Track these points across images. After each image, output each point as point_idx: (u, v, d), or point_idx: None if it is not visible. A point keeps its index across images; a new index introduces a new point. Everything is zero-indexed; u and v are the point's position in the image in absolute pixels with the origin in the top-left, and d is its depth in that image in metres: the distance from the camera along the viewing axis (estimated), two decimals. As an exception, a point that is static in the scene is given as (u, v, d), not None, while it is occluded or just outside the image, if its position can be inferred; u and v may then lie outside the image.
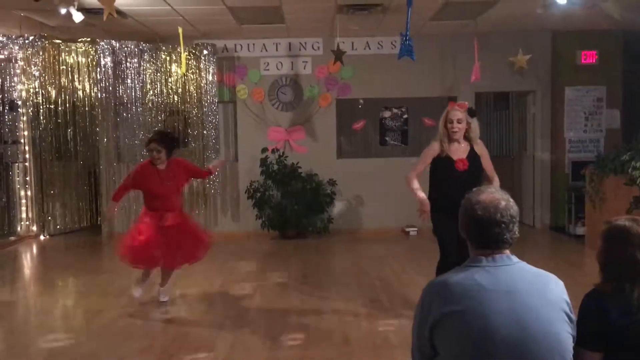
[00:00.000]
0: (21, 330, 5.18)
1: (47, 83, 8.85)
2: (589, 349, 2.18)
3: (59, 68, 8.83)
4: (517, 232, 2.12)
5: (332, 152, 9.44)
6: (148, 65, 8.90)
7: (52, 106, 9.04)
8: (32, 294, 6.52)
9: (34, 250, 8.86)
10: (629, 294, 2.18)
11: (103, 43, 8.72)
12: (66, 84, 8.91)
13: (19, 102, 9.02)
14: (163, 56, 8.94)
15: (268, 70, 9.31)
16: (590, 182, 7.72)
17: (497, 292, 2.02)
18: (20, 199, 9.28)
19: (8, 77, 8.90)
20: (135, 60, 8.83)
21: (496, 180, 4.91)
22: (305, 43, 9.27)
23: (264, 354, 4.39)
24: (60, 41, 8.72)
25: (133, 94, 8.89)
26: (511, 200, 2.14)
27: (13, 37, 8.52)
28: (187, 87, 9.08)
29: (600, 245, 2.34)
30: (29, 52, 8.61)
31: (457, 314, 2.01)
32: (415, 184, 4.86)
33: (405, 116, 9.62)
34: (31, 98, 8.88)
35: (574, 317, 2.12)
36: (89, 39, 8.73)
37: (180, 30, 7.40)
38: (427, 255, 7.23)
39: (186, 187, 8.99)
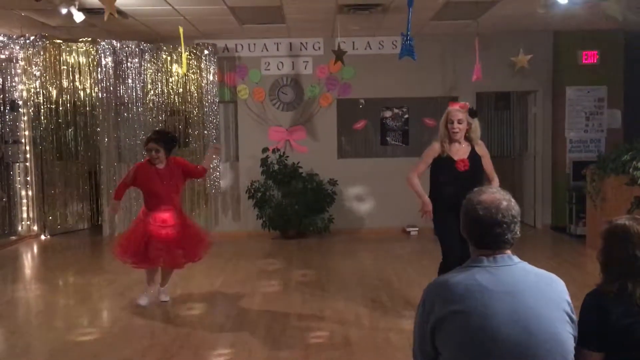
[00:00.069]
0: (22, 330, 5.18)
1: (48, 83, 8.86)
2: (590, 349, 2.18)
3: (60, 68, 8.84)
4: (518, 233, 2.11)
5: (332, 152, 9.44)
6: (149, 65, 8.91)
7: (53, 106, 9.06)
8: (32, 293, 6.51)
9: (35, 250, 8.86)
10: (630, 293, 2.18)
11: (104, 43, 8.72)
12: (67, 84, 8.93)
13: (20, 102, 9.03)
14: (164, 56, 8.94)
15: (269, 70, 9.31)
16: (591, 182, 7.72)
17: (498, 292, 2.01)
18: (21, 198, 9.28)
19: (9, 77, 8.91)
20: (136, 60, 8.83)
21: (496, 181, 4.90)
22: (306, 43, 9.27)
23: (264, 354, 4.39)
24: (61, 41, 8.73)
25: (134, 94, 8.89)
26: (512, 200, 2.14)
27: (14, 37, 8.53)
28: (187, 87, 9.08)
29: (600, 244, 2.33)
30: (30, 52, 8.61)
31: (458, 314, 2.01)
32: (418, 185, 4.86)
33: (406, 116, 9.62)
34: (32, 98, 8.89)
35: (575, 317, 2.12)
36: (89, 39, 8.74)
37: (181, 30, 7.41)
38: (428, 255, 7.24)
39: (187, 186, 9.07)
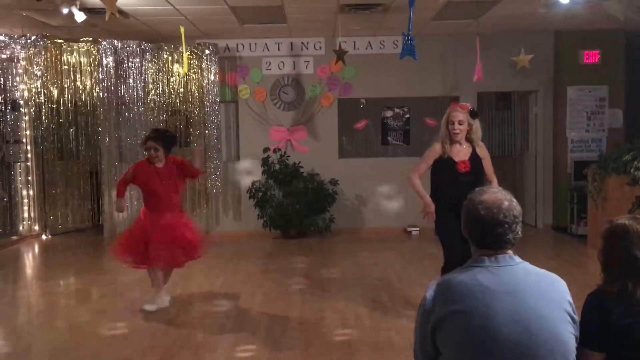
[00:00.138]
0: (23, 330, 5.18)
1: (49, 83, 8.87)
2: (591, 349, 2.17)
3: (61, 68, 8.85)
4: (520, 233, 2.11)
5: (333, 151, 9.43)
6: (150, 65, 8.91)
7: (54, 106, 9.07)
8: (34, 293, 6.52)
9: (36, 249, 8.86)
10: (631, 293, 2.18)
11: (105, 43, 8.73)
12: (68, 83, 8.95)
13: (21, 102, 9.03)
14: (165, 56, 8.95)
15: (270, 70, 9.31)
16: (593, 182, 7.71)
17: (499, 292, 2.01)
18: (22, 198, 9.29)
19: (10, 76, 8.92)
20: (137, 60, 8.83)
21: (495, 183, 4.89)
22: (307, 43, 9.27)
23: (265, 355, 4.39)
24: (62, 41, 8.74)
25: (135, 94, 8.90)
26: (514, 200, 2.14)
27: (15, 36, 8.54)
28: (189, 87, 9.09)
29: (601, 244, 2.33)
30: (31, 51, 8.62)
31: (460, 314, 2.01)
32: (419, 185, 4.85)
33: (407, 116, 9.61)
34: (33, 98, 8.90)
35: (576, 317, 2.11)
36: (90, 39, 8.75)
37: (182, 30, 7.41)
38: (428, 255, 7.24)
39: (188, 186, 9.07)
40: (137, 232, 5.42)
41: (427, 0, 6.70)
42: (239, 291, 6.17)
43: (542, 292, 2.05)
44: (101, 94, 8.91)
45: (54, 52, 8.77)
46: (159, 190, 5.38)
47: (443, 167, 4.81)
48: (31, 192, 9.30)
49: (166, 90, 9.03)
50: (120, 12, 6.89)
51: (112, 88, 8.88)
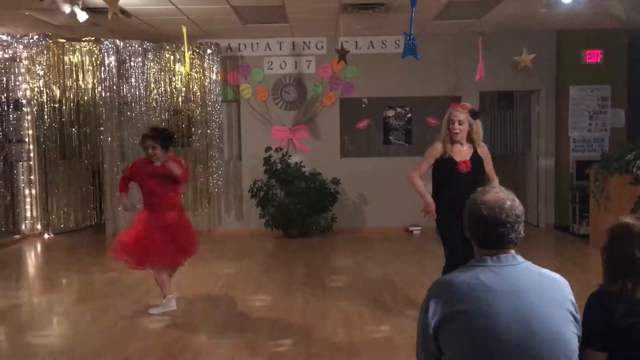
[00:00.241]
0: (25, 329, 5.19)
1: (51, 82, 8.88)
2: (594, 349, 2.17)
3: (63, 67, 8.86)
4: (522, 232, 2.11)
5: (335, 151, 9.44)
6: (152, 64, 8.92)
7: (57, 105, 9.08)
8: (36, 292, 6.53)
9: (38, 248, 8.88)
10: (631, 293, 2.18)
11: (107, 42, 8.73)
12: (70, 83, 8.95)
13: (24, 101, 9.05)
14: (167, 55, 8.95)
15: (272, 69, 9.31)
16: (595, 182, 7.70)
17: (502, 292, 2.01)
18: (24, 197, 9.31)
19: (12, 76, 8.93)
20: (139, 59, 8.84)
21: (496, 182, 4.88)
22: (309, 42, 9.27)
23: (267, 354, 4.39)
24: (64, 40, 8.75)
25: (137, 93, 8.90)
26: (516, 200, 2.14)
27: (17, 36, 8.55)
28: (190, 87, 9.10)
29: (604, 241, 2.33)
30: (34, 51, 8.63)
31: (462, 313, 2.01)
32: (420, 184, 4.85)
33: (409, 115, 9.61)
34: (35, 97, 8.91)
35: (579, 316, 2.11)
36: (93, 38, 8.75)
37: (184, 29, 7.41)
38: (430, 254, 7.25)
39: (190, 185, 9.08)
40: (136, 232, 5.38)
41: (429, -1, 6.70)
42: (241, 291, 6.18)
43: (545, 291, 2.05)
44: (103, 94, 8.91)
45: (56, 51, 8.78)
46: (156, 188, 5.34)
47: (444, 167, 4.81)
48: (33, 191, 9.32)
49: (168, 89, 9.04)
50: (123, 11, 6.90)
51: (114, 87, 8.88)
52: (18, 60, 8.80)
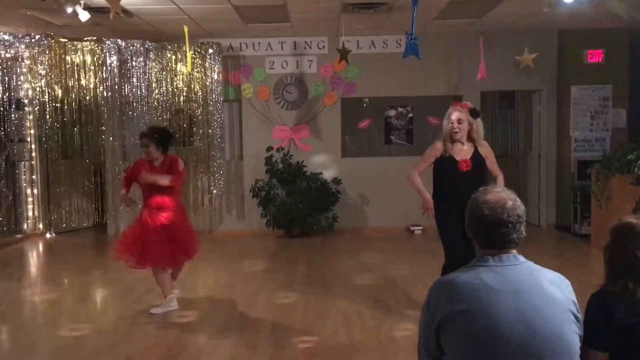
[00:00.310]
0: (26, 329, 5.20)
1: (53, 82, 8.89)
2: (595, 348, 2.17)
3: (65, 67, 8.87)
4: (524, 232, 2.11)
5: (337, 150, 9.44)
6: (154, 64, 8.92)
7: (58, 105, 9.09)
8: (38, 291, 6.54)
9: (40, 248, 8.89)
10: (632, 293, 2.18)
11: (109, 42, 8.74)
12: (72, 82, 8.96)
13: (25, 101, 9.06)
14: (168, 55, 8.96)
15: (273, 69, 9.32)
16: (596, 182, 7.70)
17: (503, 291, 2.01)
18: (26, 197, 9.31)
19: (14, 75, 8.94)
20: (141, 59, 8.84)
21: (500, 178, 4.88)
22: (311, 42, 9.27)
23: (268, 354, 4.39)
24: (66, 40, 8.76)
25: (139, 93, 8.91)
26: (518, 200, 2.14)
27: (19, 36, 8.56)
28: (192, 86, 9.10)
29: (607, 241, 2.34)
30: (35, 51, 8.64)
31: (464, 313, 2.01)
32: (419, 182, 4.86)
33: (411, 115, 9.61)
34: (37, 97, 8.92)
35: (580, 316, 2.12)
36: (94, 38, 8.76)
37: (185, 29, 7.41)
38: (432, 254, 7.23)
39: (191, 185, 9.09)
40: (136, 232, 5.40)
41: (430, -1, 6.69)
42: (242, 290, 6.18)
43: (546, 291, 2.05)
44: (105, 93, 8.92)
45: (58, 51, 8.79)
46: (153, 188, 5.31)
47: (445, 166, 4.81)
48: (35, 191, 9.33)
49: (170, 89, 9.04)
50: (124, 11, 6.91)
51: (116, 87, 8.89)
52: (20, 59, 8.81)
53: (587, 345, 2.14)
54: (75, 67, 8.90)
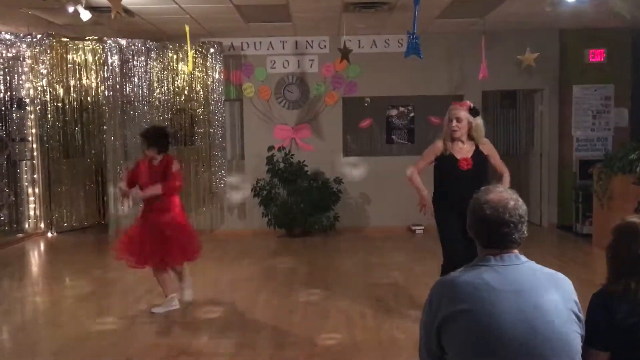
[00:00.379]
0: (28, 328, 5.20)
1: (54, 81, 8.90)
2: (597, 348, 2.17)
3: (67, 66, 8.88)
4: (525, 232, 2.11)
5: (338, 150, 9.43)
6: (155, 63, 8.92)
7: (60, 104, 9.10)
8: (39, 291, 6.54)
9: (42, 247, 8.90)
10: (634, 293, 2.17)
11: (110, 41, 8.74)
12: (74, 82, 8.97)
13: (27, 100, 9.06)
14: (170, 54, 8.96)
15: (274, 68, 9.31)
16: (598, 181, 7.68)
17: (505, 291, 2.01)
18: (28, 196, 9.32)
19: (16, 75, 8.94)
20: (142, 58, 8.85)
21: (507, 175, 4.85)
22: (312, 41, 9.26)
23: (269, 353, 4.39)
24: (67, 39, 8.76)
25: (140, 92, 8.91)
26: (520, 199, 2.13)
27: (21, 35, 8.56)
28: (193, 85, 9.10)
29: (609, 240, 2.33)
30: (37, 50, 8.64)
31: (465, 313, 2.00)
32: (417, 180, 4.85)
33: (412, 114, 9.60)
34: (39, 96, 8.92)
35: (582, 316, 2.11)
36: (96, 37, 8.77)
37: (187, 28, 7.41)
38: (433, 253, 7.20)
39: (192, 184, 9.09)
40: (136, 232, 5.40)
41: (432, -2, 6.68)
42: (243, 290, 6.18)
43: (548, 291, 2.04)
44: (106, 93, 8.93)
45: (59, 50, 8.79)
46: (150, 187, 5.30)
47: (445, 165, 4.80)
48: (37, 190, 9.33)
49: (171, 88, 9.04)
50: (126, 10, 6.91)
51: (118, 86, 8.89)
52: (21, 59, 8.81)
53: (589, 345, 2.14)
54: (77, 67, 8.91)
